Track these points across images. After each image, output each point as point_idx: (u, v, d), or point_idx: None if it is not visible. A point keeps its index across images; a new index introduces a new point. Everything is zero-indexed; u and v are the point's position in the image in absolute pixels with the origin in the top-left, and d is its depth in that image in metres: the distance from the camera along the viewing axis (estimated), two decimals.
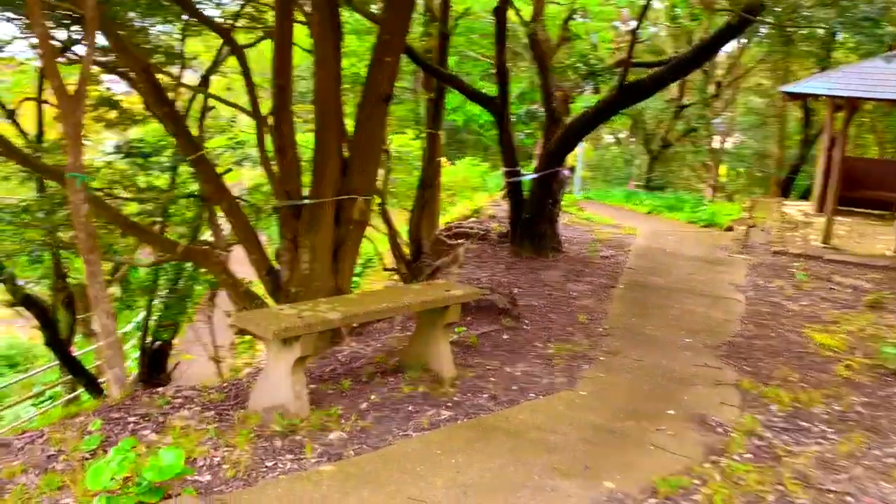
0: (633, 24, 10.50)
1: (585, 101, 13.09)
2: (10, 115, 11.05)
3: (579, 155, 20.99)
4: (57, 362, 11.67)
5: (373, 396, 4.69)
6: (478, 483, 3.62)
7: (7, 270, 9.56)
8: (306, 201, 6.70)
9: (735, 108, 25.40)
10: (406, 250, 10.90)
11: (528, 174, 10.52)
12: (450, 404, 4.68)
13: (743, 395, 5.33)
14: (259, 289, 7.95)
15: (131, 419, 4.30)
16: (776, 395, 5.30)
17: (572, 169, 16.66)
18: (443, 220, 13.10)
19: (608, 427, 4.53)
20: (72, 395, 12.06)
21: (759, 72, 23.02)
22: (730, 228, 14.02)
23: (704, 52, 9.08)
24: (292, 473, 3.59)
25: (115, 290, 12.26)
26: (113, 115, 11.87)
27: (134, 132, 11.91)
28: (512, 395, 4.99)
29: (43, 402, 13.85)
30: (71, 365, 10.91)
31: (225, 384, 5.20)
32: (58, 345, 10.70)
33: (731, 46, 20.07)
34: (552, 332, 6.79)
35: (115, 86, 12.08)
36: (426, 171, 10.99)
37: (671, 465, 4.03)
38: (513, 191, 10.52)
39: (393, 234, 10.24)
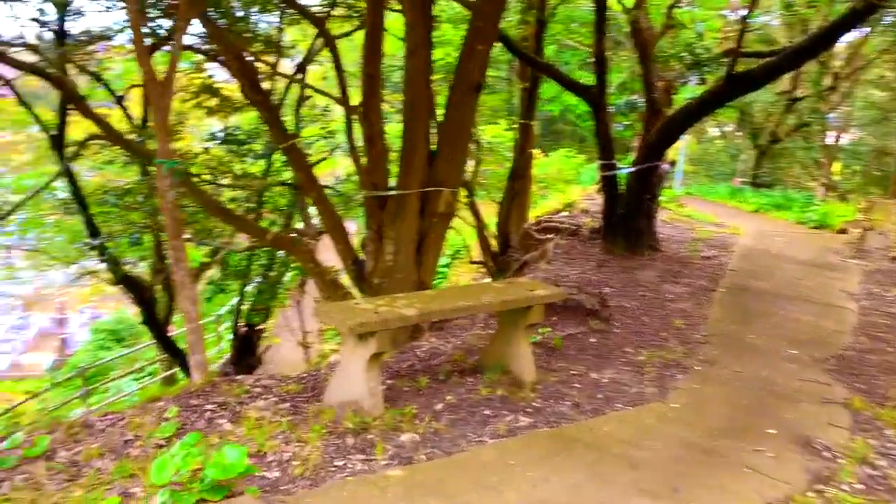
0: (744, 11, 9.85)
1: (689, 92, 12.46)
2: (119, 101, 11.55)
3: (681, 148, 20.10)
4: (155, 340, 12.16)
5: (449, 397, 4.52)
6: (554, 501, 3.38)
7: (109, 251, 9.99)
8: (392, 192, 6.60)
9: (853, 102, 23.67)
10: (493, 243, 10.69)
11: (625, 167, 10.07)
12: (529, 410, 4.44)
13: (854, 416, 4.83)
14: (347, 278, 7.95)
15: (208, 407, 4.30)
16: (892, 418, 4.77)
17: (673, 163, 15.93)
18: (533, 214, 12.78)
19: (701, 445, 4.18)
20: (168, 372, 12.57)
21: (881, 63, 21.31)
22: (843, 231, 13.04)
23: (822, 41, 8.37)
24: (360, 476, 3.46)
25: (213, 272, 12.67)
26: (213, 102, 12.18)
27: (234, 120, 12.20)
28: (597, 403, 4.70)
29: (143, 377, 14.54)
30: (166, 344, 11.33)
31: (303, 375, 5.16)
32: (154, 324, 11.12)
33: (851, 36, 18.68)
34: (644, 336, 6.42)
35: (217, 74, 12.39)
36: (517, 162, 10.72)
37: (770, 492, 3.66)
38: (608, 184, 10.09)
39: (481, 227, 10.04)
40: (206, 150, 10.21)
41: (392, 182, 6.74)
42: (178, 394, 4.64)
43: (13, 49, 9.00)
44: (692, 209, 15.07)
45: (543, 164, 18.55)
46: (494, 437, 4.02)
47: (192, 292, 4.97)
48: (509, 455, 3.79)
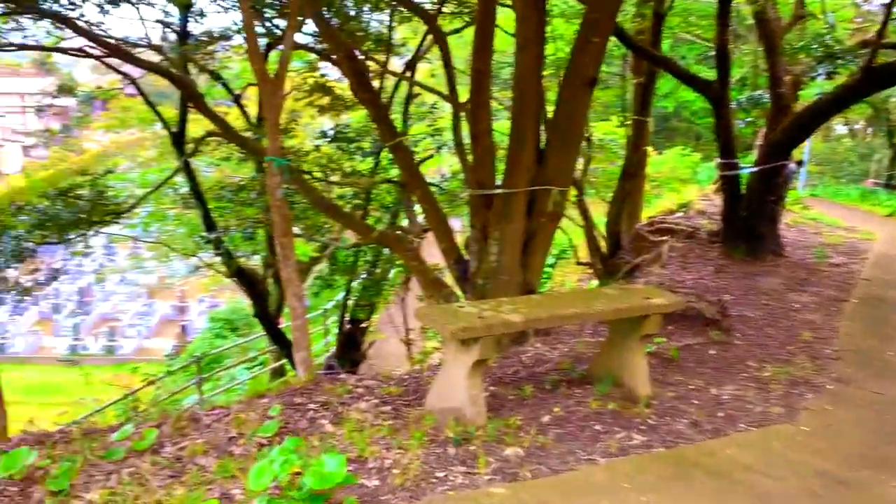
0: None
1: (818, 87, 11.59)
2: (236, 99, 11.95)
3: (807, 147, 18.82)
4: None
5: (556, 409, 4.29)
6: None
7: (224, 245, 10.34)
8: (498, 191, 6.42)
9: None
10: (602, 244, 10.31)
11: (747, 167, 9.45)
12: (643, 427, 4.15)
13: None
14: (450, 277, 7.84)
15: (311, 406, 4.26)
16: None
17: (800, 163, 14.89)
18: (645, 214, 12.27)
19: (838, 475, 3.76)
20: (277, 363, 12.92)
21: None
22: None
23: None
24: (461, 490, 3.30)
25: (322, 267, 12.94)
26: (325, 100, 12.40)
27: (345, 118, 12.39)
28: (717, 423, 4.34)
29: (255, 366, 15.06)
30: (276, 336, 11.63)
31: (405, 376, 5.06)
32: (265, 317, 11.43)
33: None
34: (768, 350, 5.94)
35: (329, 73, 12.63)
36: (630, 160, 10.29)
37: None
38: (728, 185, 9.51)
39: (590, 227, 9.69)
40: (317, 148, 10.39)
41: (499, 181, 6.56)
42: (283, 391, 4.65)
43: (139, 49, 9.46)
44: (818, 212, 14.07)
45: (657, 162, 17.84)
46: (605, 456, 3.76)
47: (299, 289, 4.97)
48: (622, 477, 3.52)
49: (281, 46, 10.58)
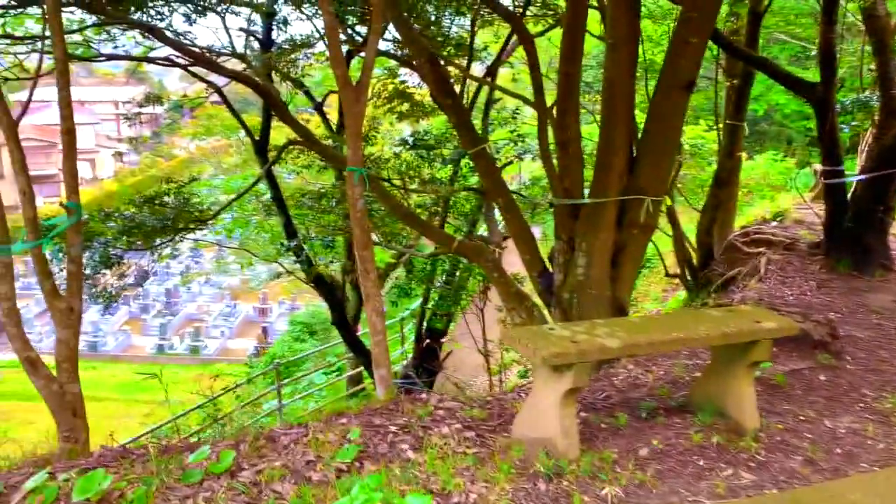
0: None
1: None
2: (318, 107, 11.99)
3: None
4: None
5: (654, 441, 3.94)
6: None
7: (305, 252, 10.35)
8: (586, 200, 6.10)
9: None
10: (693, 255, 9.78)
11: (853, 175, 8.78)
12: (752, 464, 3.76)
13: None
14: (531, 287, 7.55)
15: (391, 429, 4.06)
16: None
17: None
18: (737, 223, 11.62)
19: None
20: (355, 370, 12.89)
21: None
22: None
23: None
24: None
25: (399, 273, 12.85)
26: (405, 106, 12.30)
27: (424, 124, 12.29)
28: (835, 460, 3.91)
29: (332, 372, 15.12)
30: (353, 344, 11.58)
31: (489, 398, 4.81)
32: (343, 324, 11.40)
33: None
34: (885, 376, 5.39)
35: (409, 79, 12.57)
36: (722, 166, 9.74)
37: None
38: (833, 193, 8.84)
39: (679, 236, 9.19)
40: (397, 156, 10.28)
41: (587, 189, 6.24)
42: (362, 410, 4.47)
43: (223, 58, 9.58)
44: None
45: (748, 168, 17.01)
46: (712, 497, 3.40)
47: (379, 303, 4.79)
48: None
49: (363, 53, 10.54)
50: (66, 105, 4.35)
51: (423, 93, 11.55)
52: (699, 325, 3.99)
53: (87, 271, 9.13)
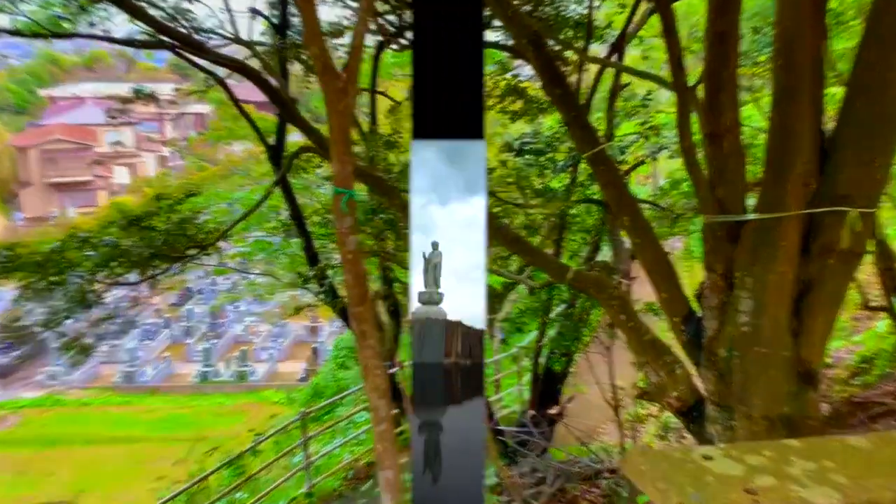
0: None
1: None
2: None
3: None
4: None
5: None
6: None
7: (329, 280, 8.94)
8: (750, 216, 4.16)
9: None
10: None
11: None
12: None
13: None
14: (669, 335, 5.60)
15: None
16: None
17: None
18: None
19: None
20: (394, 411, 11.27)
21: None
22: None
23: None
24: None
25: (519, 292, 11.17)
26: (518, 104, 10.77)
27: (532, 126, 10.58)
28: None
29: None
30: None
31: None
32: None
33: None
34: None
35: (521, 70, 11.18)
36: None
37: None
38: None
39: (886, 254, 6.81)
40: (503, 164, 8.56)
41: (751, 201, 4.25)
42: None
43: (216, 44, 8.49)
44: None
45: None
46: None
47: (382, 380, 3.14)
48: None
49: (394, 46, 9.01)
50: None
51: (538, 88, 9.95)
52: None
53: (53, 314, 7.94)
